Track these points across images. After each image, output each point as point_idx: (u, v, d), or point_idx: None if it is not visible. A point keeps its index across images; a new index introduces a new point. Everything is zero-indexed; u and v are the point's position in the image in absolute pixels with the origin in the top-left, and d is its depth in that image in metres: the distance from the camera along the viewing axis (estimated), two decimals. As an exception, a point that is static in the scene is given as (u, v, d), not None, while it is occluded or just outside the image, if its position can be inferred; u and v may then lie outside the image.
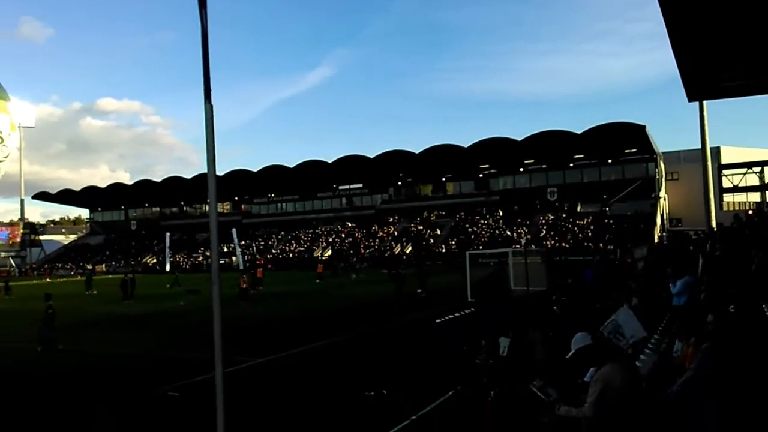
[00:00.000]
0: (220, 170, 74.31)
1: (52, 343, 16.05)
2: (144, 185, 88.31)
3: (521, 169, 69.99)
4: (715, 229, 23.12)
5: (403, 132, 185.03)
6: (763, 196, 56.02)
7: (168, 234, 78.66)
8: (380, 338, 16.42)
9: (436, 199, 75.68)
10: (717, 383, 4.93)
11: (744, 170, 58.03)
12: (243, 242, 75.67)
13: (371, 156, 71.72)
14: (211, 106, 4.57)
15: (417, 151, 69.11)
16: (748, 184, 57.65)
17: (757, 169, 57.32)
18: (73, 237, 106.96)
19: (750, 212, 24.95)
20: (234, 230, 73.29)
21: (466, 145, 66.38)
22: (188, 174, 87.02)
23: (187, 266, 71.48)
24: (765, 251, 13.52)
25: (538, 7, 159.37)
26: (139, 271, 67.02)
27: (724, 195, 59.03)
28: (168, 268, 72.00)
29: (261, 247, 77.47)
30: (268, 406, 9.97)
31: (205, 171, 4.55)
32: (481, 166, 71.72)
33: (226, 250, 74.36)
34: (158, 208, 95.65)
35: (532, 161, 68.53)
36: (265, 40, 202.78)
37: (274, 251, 75.19)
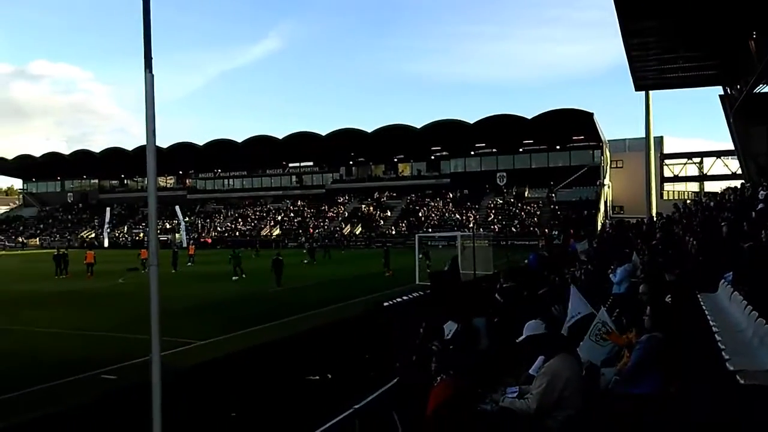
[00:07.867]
0: (164, 143, 71.94)
1: None
2: (82, 156, 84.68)
3: (472, 153, 70.79)
4: (655, 218, 23.99)
5: (354, 110, 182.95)
6: (701, 186, 58.60)
7: (108, 208, 75.82)
8: (326, 323, 16.23)
9: (388, 180, 75.71)
10: (656, 374, 5.00)
11: (684, 160, 60.54)
12: (187, 219, 73.59)
13: (323, 134, 70.96)
14: (152, 76, 4.28)
15: (369, 131, 68.82)
16: (688, 174, 60.26)
17: (697, 159, 59.95)
18: (4, 208, 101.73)
19: (688, 202, 26.01)
20: (178, 207, 71.00)
21: (418, 126, 66.56)
22: (129, 145, 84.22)
23: (128, 243, 69.15)
24: (701, 239, 14.08)
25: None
26: (76, 246, 64.36)
27: (665, 184, 61.48)
28: (106, 243, 69.45)
29: (206, 223, 75.73)
30: (205, 390, 9.69)
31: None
32: (433, 148, 72.13)
33: (169, 226, 72.25)
34: (97, 181, 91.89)
35: (483, 145, 69.41)
36: (209, 8, 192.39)
37: (220, 229, 73.68)
